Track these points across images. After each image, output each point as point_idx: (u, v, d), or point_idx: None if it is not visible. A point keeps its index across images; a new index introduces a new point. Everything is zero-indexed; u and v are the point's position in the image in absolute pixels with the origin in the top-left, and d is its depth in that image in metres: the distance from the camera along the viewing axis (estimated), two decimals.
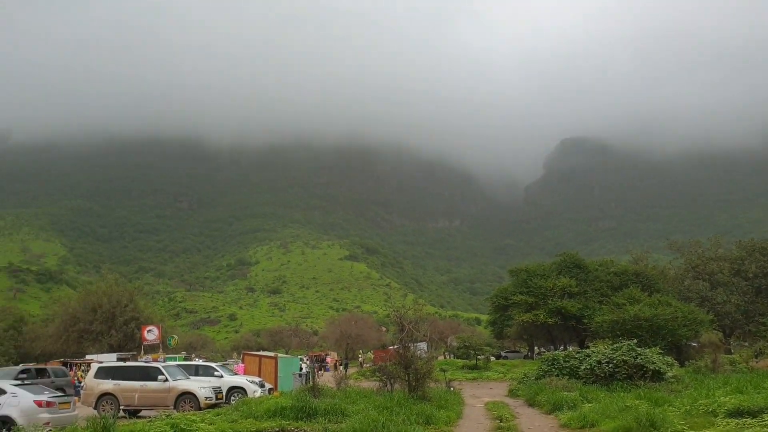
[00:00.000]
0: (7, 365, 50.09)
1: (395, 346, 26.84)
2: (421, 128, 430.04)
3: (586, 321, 49.68)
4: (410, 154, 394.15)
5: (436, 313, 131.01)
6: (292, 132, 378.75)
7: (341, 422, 16.67)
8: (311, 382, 23.81)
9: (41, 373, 31.23)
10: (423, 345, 30.60)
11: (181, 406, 23.41)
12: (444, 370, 38.27)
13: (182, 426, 15.61)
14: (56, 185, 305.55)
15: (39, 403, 18.20)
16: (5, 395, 18.21)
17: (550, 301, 53.99)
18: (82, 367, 40.12)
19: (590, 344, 44.26)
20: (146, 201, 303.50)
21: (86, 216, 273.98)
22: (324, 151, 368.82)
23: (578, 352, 31.58)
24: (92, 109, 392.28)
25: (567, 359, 30.06)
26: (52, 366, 35.14)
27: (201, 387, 24.33)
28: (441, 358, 64.08)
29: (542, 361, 32.72)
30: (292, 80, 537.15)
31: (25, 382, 20.93)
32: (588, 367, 27.47)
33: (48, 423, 17.61)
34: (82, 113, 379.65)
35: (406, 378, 22.77)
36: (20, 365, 35.60)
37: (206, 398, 23.79)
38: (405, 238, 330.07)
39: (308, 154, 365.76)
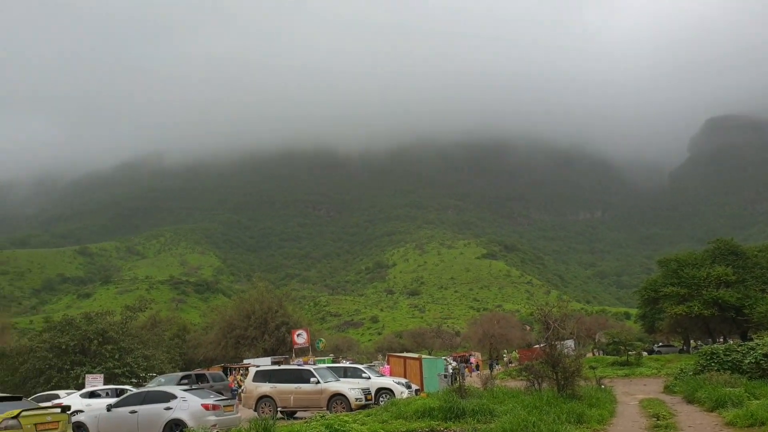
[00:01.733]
0: (173, 371, 53.97)
1: (541, 345, 26.34)
2: (553, 117, 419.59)
3: (747, 311, 46.23)
4: (543, 145, 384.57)
5: (582, 309, 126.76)
6: (420, 132, 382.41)
7: (490, 422, 16.60)
8: (457, 383, 23.87)
9: (201, 378, 32.71)
10: (570, 342, 29.80)
11: (333, 407, 24.25)
12: (593, 368, 37.00)
13: (336, 426, 16.21)
14: (207, 201, 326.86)
15: (206, 407, 19.57)
16: (176, 400, 19.75)
17: (704, 292, 50.76)
18: (241, 371, 42.58)
19: (754, 336, 41.11)
20: (288, 211, 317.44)
21: (236, 228, 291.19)
22: (453, 149, 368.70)
23: (740, 345, 29.46)
24: (233, 128, 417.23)
25: (728, 353, 28.10)
26: (211, 371, 36.93)
27: (351, 388, 25.08)
28: (589, 355, 62.01)
29: (700, 356, 30.77)
30: (416, 81, 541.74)
31: (193, 387, 22.52)
32: (753, 360, 25.55)
33: (215, 425, 18.89)
34: (224, 133, 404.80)
35: (554, 376, 22.29)
36: (181, 372, 37.58)
37: (356, 399, 24.49)
38: (544, 233, 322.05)
39: (437, 154, 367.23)
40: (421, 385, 32.52)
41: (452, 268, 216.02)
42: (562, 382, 21.96)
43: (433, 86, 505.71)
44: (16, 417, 14.39)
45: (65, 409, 16.26)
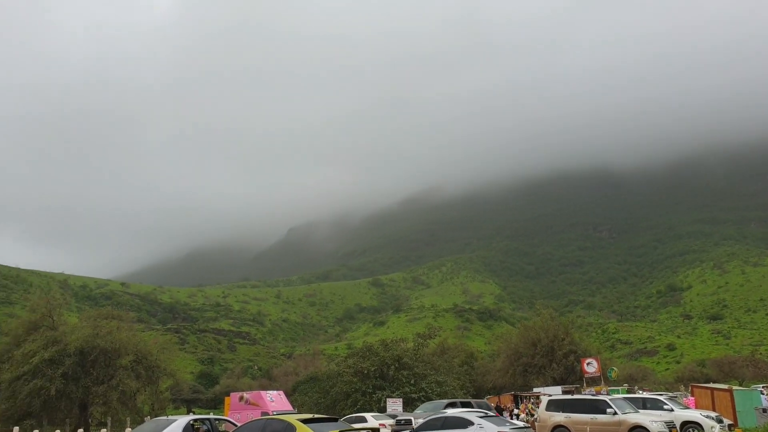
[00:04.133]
0: (465, 398, 55.42)
1: None
2: None
3: None
4: None
5: None
6: (703, 138, 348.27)
7: None
8: None
9: (466, 406, 32.77)
10: None
11: None
12: None
13: None
14: (485, 230, 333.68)
15: None
16: (473, 426, 20.30)
17: None
18: (531, 400, 42.27)
19: None
20: (566, 235, 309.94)
21: (514, 255, 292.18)
22: (748, 153, 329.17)
23: None
24: (506, 155, 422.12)
25: None
26: (477, 400, 36.59)
27: (653, 421, 23.48)
28: None
29: None
30: (700, 77, 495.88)
31: (489, 414, 22.93)
32: None
33: None
34: (497, 161, 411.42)
35: None
36: (447, 400, 37.66)
37: None
38: None
39: (728, 159, 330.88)
40: (735, 419, 29.20)
41: (761, 288, 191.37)
42: None
43: (721, 82, 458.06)
44: None
45: (375, 430, 17.65)
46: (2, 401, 42.00)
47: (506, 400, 45.32)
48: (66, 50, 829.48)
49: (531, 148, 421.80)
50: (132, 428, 39.72)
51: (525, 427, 22.33)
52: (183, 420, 22.09)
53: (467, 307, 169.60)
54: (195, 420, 22.65)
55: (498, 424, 20.46)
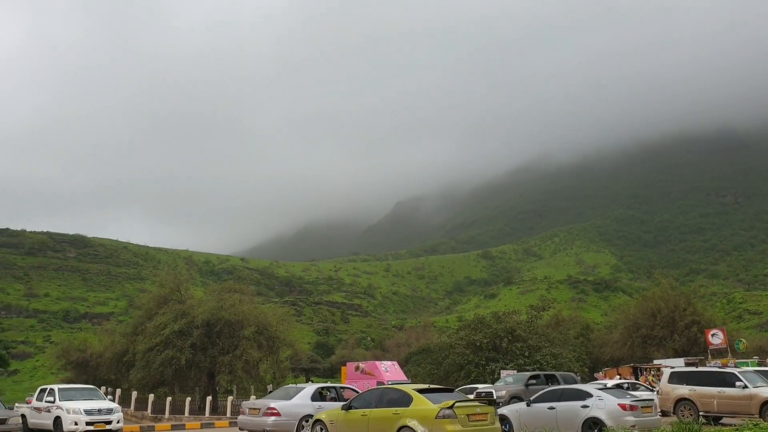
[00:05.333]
0: (581, 370, 54.34)
1: None
2: None
3: None
4: None
5: None
6: None
7: None
8: None
9: (550, 379, 31.86)
10: None
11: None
12: None
13: None
14: (598, 198, 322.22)
15: (623, 407, 19.27)
16: (592, 398, 19.85)
17: None
18: (652, 372, 40.86)
19: None
20: (686, 201, 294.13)
21: (630, 224, 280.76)
22: None
23: None
24: (617, 119, 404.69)
25: None
26: (561, 373, 35.29)
27: None
28: None
29: None
30: None
31: (608, 386, 22.36)
32: None
33: (633, 426, 18.47)
34: (610, 125, 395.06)
35: None
36: (529, 372, 36.22)
37: None
38: None
39: None
40: None
41: None
42: None
43: None
44: (451, 407, 16.11)
45: (491, 402, 17.64)
46: (138, 370, 45.20)
47: (625, 372, 44.01)
48: (183, 43, 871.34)
49: (647, 111, 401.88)
50: (256, 396, 41.86)
51: (648, 399, 21.49)
52: (312, 387, 23.49)
53: (582, 278, 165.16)
54: (323, 388, 23.84)
55: (618, 396, 19.90)
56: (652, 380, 37.83)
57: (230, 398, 41.43)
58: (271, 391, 40.64)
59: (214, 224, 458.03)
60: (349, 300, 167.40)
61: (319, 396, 23.01)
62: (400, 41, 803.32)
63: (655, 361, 47.08)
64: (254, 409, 22.93)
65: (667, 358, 49.34)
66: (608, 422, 18.70)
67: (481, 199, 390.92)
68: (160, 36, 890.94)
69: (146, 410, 43.83)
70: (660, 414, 22.02)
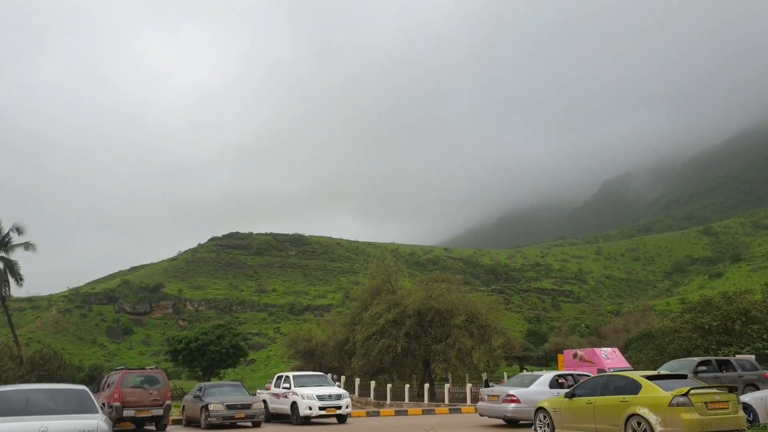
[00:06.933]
0: None
1: None
2: None
3: None
4: None
5: None
6: None
7: None
8: None
9: (724, 364, 28.49)
10: None
11: None
12: None
13: None
14: None
15: None
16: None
17: None
18: None
19: None
20: None
21: None
22: None
23: None
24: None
25: None
26: (739, 357, 30.56)
27: None
28: None
29: None
30: None
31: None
32: None
33: None
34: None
35: None
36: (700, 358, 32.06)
37: None
38: None
39: None
40: None
41: None
42: None
43: None
44: (686, 394, 14.86)
45: (732, 389, 15.98)
46: (359, 358, 47.58)
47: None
48: (380, 44, 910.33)
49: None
50: (472, 384, 42.19)
51: None
52: (549, 374, 23.94)
53: None
54: (559, 375, 23.94)
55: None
56: None
57: (447, 386, 42.13)
58: (486, 380, 40.72)
59: (416, 216, 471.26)
60: (558, 286, 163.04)
61: (556, 383, 22.99)
62: (591, 12, 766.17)
63: None
64: (493, 396, 23.37)
65: None
66: None
67: (698, 170, 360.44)
68: (361, 39, 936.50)
69: (369, 396, 46.03)
70: None
